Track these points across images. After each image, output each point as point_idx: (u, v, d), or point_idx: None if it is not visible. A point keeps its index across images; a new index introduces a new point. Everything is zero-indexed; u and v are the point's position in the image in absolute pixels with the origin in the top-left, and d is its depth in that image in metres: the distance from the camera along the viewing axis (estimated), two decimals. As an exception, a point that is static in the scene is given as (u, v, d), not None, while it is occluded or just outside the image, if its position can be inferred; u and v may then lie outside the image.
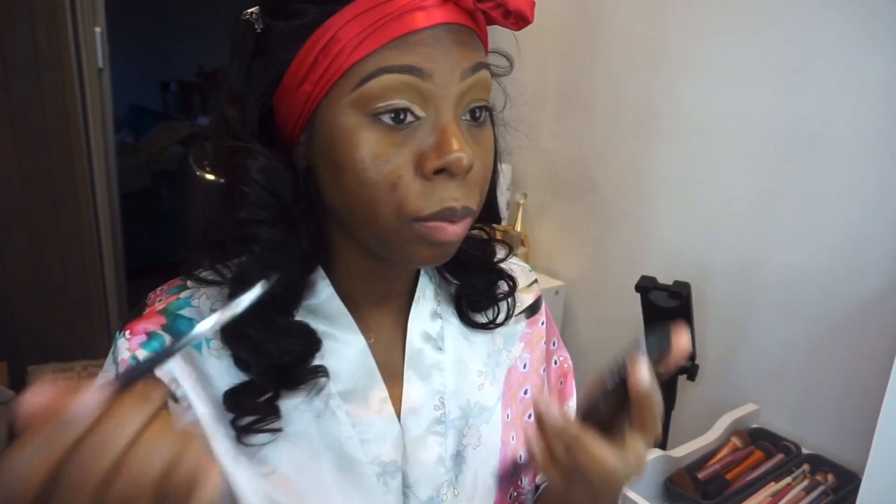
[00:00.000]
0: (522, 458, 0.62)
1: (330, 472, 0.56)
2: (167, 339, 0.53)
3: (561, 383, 0.73)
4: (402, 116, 0.48)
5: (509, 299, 0.67)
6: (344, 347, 0.57)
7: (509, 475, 0.64)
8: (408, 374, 0.60)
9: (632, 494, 1.22)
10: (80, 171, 2.06)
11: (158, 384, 0.37)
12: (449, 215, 0.49)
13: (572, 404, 0.73)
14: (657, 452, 1.29)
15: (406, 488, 0.59)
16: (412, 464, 0.59)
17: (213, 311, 0.55)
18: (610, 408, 0.49)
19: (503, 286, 0.66)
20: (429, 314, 0.63)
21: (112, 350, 0.54)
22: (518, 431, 0.66)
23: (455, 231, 0.50)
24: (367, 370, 0.58)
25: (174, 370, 0.52)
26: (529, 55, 2.02)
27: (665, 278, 1.44)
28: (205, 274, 0.55)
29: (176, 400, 0.51)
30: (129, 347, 0.52)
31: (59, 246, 2.09)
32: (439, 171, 0.48)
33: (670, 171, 1.63)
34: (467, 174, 0.50)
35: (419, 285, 0.62)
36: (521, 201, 1.96)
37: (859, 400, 1.30)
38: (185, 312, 0.55)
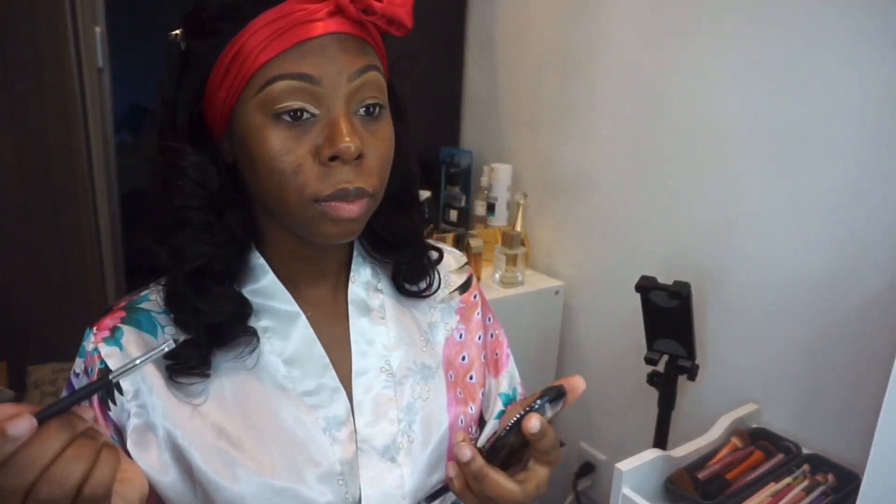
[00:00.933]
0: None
1: (286, 422, 0.64)
2: (125, 329, 0.62)
3: (496, 354, 0.84)
4: (299, 114, 0.56)
5: (438, 267, 0.77)
6: (286, 322, 0.66)
7: None
8: (354, 341, 0.69)
9: (632, 494, 1.22)
10: (80, 171, 2.05)
11: (82, 414, 0.46)
12: (343, 195, 0.58)
13: (506, 373, 0.84)
14: (657, 452, 1.29)
15: (362, 442, 0.66)
16: (365, 420, 0.67)
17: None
18: (514, 443, 0.58)
19: (432, 256, 0.77)
20: (367, 289, 0.72)
21: (82, 346, 0.63)
22: (463, 388, 0.76)
23: (352, 209, 0.59)
24: (307, 340, 0.66)
25: (128, 358, 0.61)
26: (529, 55, 2.02)
27: (665, 278, 1.44)
28: (151, 290, 0.65)
29: (121, 392, 0.60)
30: (93, 341, 0.62)
31: (59, 246, 2.09)
32: (333, 158, 0.57)
33: (670, 170, 1.63)
34: (360, 161, 0.58)
35: (353, 265, 0.72)
36: (521, 201, 1.96)
37: (859, 400, 1.30)
38: (144, 305, 0.65)
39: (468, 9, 2.25)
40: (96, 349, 0.61)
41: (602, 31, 1.77)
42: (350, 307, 0.70)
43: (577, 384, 0.57)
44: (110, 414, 0.61)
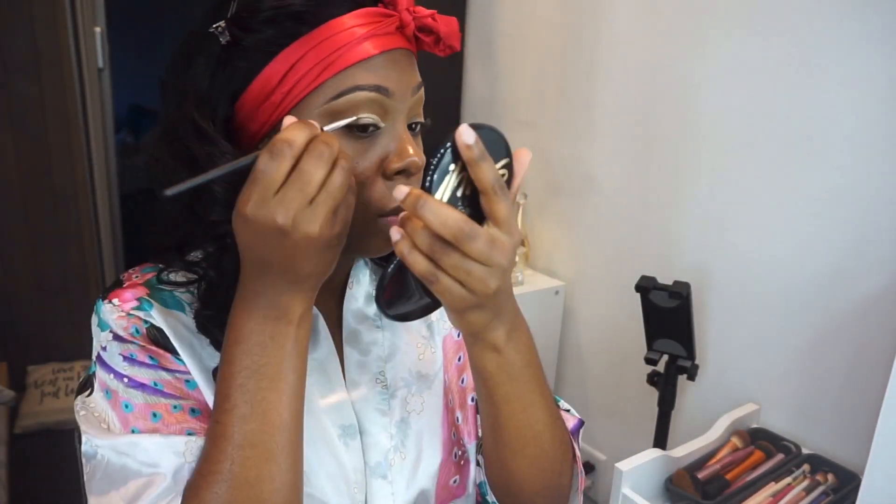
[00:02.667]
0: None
1: (307, 428, 0.61)
2: (154, 304, 0.59)
3: None
4: (366, 127, 0.56)
5: None
6: None
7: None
8: (347, 351, 0.67)
9: (632, 494, 1.22)
10: (80, 171, 2.05)
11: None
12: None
13: None
14: (657, 452, 1.29)
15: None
16: (362, 432, 0.65)
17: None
18: (463, 189, 0.50)
19: None
20: (364, 297, 0.70)
21: (98, 319, 0.59)
22: (455, 394, 0.73)
23: None
24: (326, 344, 0.65)
25: (170, 334, 0.58)
26: (529, 55, 2.02)
27: (665, 278, 1.44)
28: (174, 276, 0.61)
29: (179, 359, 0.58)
30: (123, 308, 0.58)
31: (59, 246, 2.09)
32: (399, 172, 0.57)
33: (670, 170, 1.63)
34: (415, 174, 0.59)
35: (353, 272, 0.69)
36: (521, 201, 1.96)
37: (859, 400, 1.30)
38: (165, 286, 0.61)
39: (468, 9, 2.25)
40: (132, 314, 0.58)
41: (602, 31, 1.77)
42: (345, 315, 0.68)
43: (523, 153, 0.53)
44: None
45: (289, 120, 0.51)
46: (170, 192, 0.49)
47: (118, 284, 0.61)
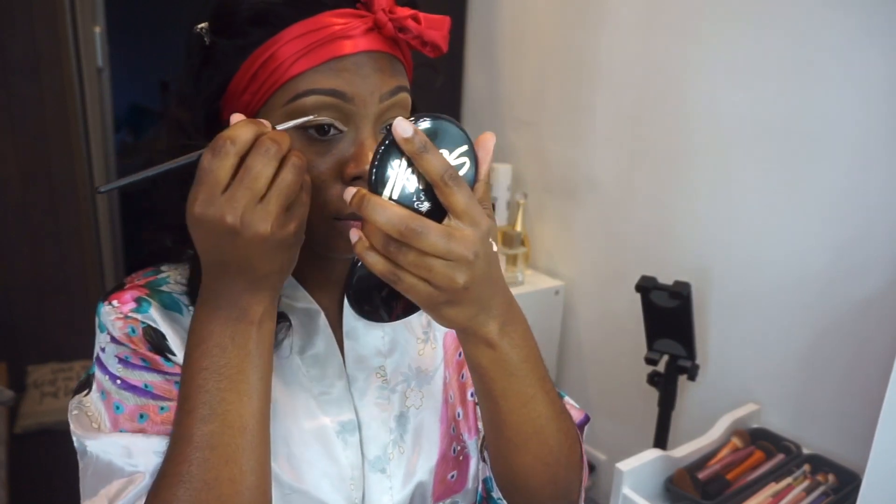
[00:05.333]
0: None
1: (304, 423, 0.63)
2: (153, 304, 0.59)
3: None
4: (326, 129, 0.55)
5: None
6: (307, 319, 0.65)
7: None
8: (347, 346, 0.67)
9: (632, 494, 1.22)
10: (80, 170, 2.05)
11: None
12: None
13: None
14: (657, 452, 1.29)
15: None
16: (361, 426, 0.66)
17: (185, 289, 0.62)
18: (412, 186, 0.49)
19: None
20: None
21: (98, 321, 0.59)
22: (455, 390, 0.73)
23: None
24: (327, 340, 0.66)
25: (164, 331, 0.59)
26: (529, 55, 2.02)
27: (665, 278, 1.44)
28: (172, 272, 0.63)
29: (173, 353, 0.58)
30: (121, 310, 0.58)
31: (59, 246, 2.09)
32: (356, 178, 0.55)
33: (671, 170, 1.63)
34: None
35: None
36: (521, 201, 1.96)
37: (860, 400, 1.30)
38: (165, 288, 0.62)
39: (468, 9, 2.25)
40: (129, 315, 0.58)
41: (602, 31, 1.77)
42: (345, 310, 0.68)
43: (486, 138, 0.52)
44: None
45: (236, 118, 0.50)
46: (102, 188, 0.49)
47: (120, 287, 0.61)
